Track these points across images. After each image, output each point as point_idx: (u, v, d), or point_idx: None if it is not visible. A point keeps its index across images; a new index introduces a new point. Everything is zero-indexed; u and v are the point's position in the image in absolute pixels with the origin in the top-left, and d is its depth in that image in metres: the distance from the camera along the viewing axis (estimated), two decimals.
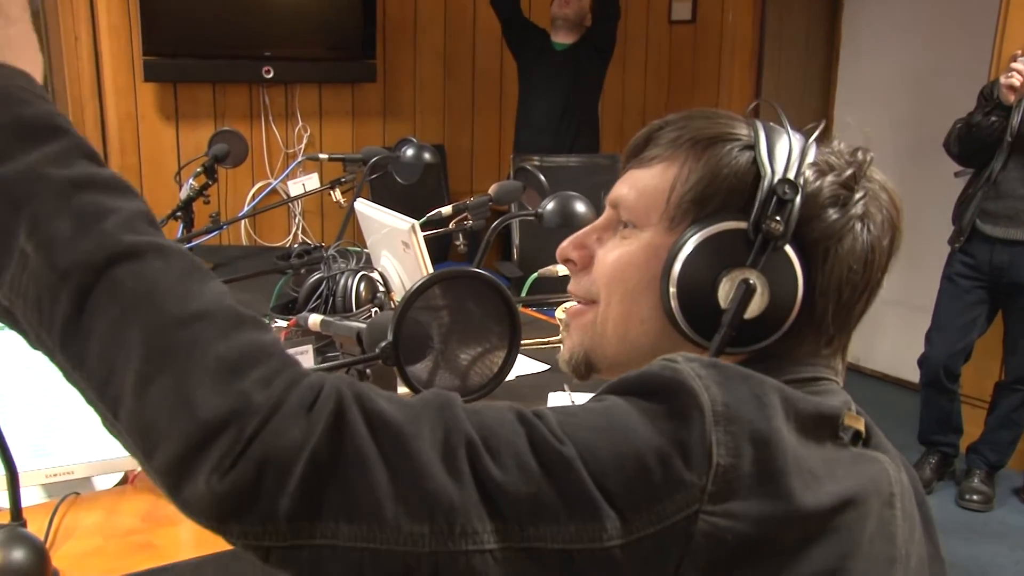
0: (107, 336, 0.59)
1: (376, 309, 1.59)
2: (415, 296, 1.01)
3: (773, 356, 0.83)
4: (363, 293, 1.68)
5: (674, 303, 0.82)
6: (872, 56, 4.90)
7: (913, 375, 4.04)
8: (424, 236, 1.74)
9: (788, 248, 0.80)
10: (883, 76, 4.83)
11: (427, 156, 2.43)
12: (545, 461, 0.64)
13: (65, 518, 1.34)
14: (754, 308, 0.80)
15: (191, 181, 2.79)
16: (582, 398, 0.78)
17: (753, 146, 0.83)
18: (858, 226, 0.81)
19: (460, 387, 1.16)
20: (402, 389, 1.64)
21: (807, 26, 5.11)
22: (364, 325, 1.19)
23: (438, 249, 1.77)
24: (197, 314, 0.60)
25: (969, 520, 3.53)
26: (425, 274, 1.49)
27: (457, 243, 2.08)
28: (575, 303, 0.95)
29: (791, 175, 0.80)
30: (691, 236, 0.82)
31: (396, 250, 1.85)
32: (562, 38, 4.32)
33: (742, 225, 0.81)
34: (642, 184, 0.88)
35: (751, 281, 0.80)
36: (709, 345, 0.82)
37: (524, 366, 1.92)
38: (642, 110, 5.38)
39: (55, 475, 1.39)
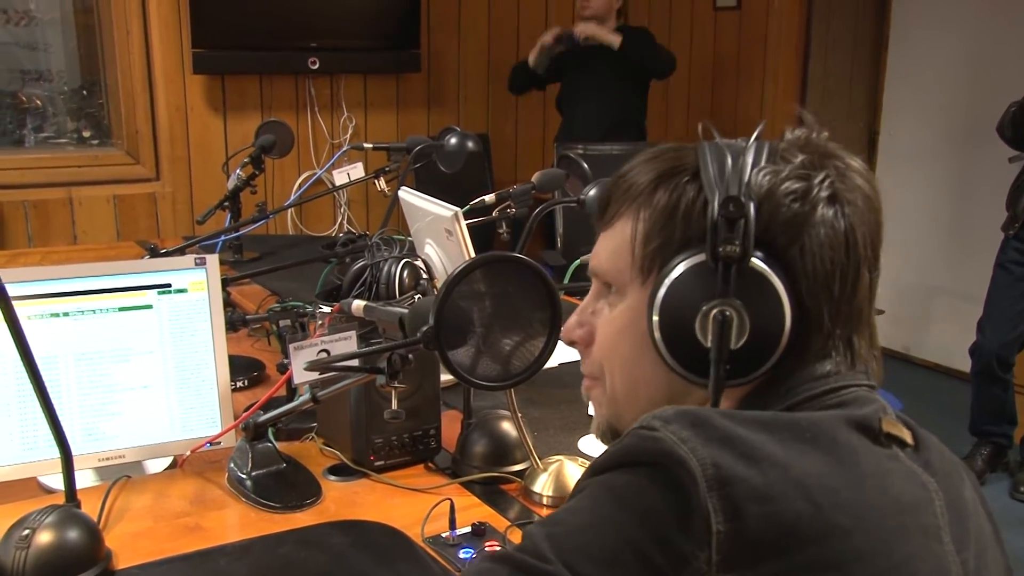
0: None
1: (419, 296, 1.60)
2: (457, 280, 1.02)
3: (781, 378, 0.79)
4: (406, 280, 1.69)
5: (666, 354, 0.79)
6: (923, 40, 4.80)
7: (963, 364, 3.97)
8: (468, 224, 1.74)
9: (757, 262, 0.75)
10: (934, 61, 4.73)
11: (470, 145, 2.43)
12: None
13: (117, 500, 1.37)
14: (739, 335, 0.76)
15: (238, 171, 2.82)
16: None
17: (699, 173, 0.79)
18: (828, 212, 0.76)
19: (502, 373, 1.17)
20: (444, 376, 1.65)
21: (856, 11, 5.02)
22: (406, 311, 1.20)
23: (481, 237, 1.77)
24: None
25: (1023, 513, 3.47)
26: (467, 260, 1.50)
27: (500, 231, 2.09)
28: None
29: (734, 191, 0.75)
30: (660, 284, 0.79)
31: (439, 238, 1.86)
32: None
33: (701, 258, 0.77)
34: (609, 247, 0.86)
35: (726, 312, 0.75)
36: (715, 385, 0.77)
37: (566, 353, 1.91)
38: (686, 98, 5.33)
39: (107, 459, 1.43)
